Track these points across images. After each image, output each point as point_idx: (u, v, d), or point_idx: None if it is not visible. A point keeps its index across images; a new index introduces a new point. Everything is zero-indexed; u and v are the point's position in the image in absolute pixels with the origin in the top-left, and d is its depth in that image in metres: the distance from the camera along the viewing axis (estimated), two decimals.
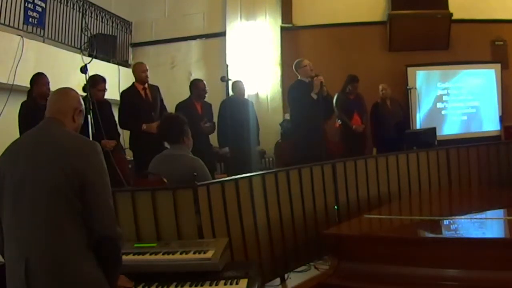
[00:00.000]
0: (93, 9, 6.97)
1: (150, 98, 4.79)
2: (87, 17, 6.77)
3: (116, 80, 6.02)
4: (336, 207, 3.74)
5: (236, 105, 5.59)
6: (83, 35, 6.55)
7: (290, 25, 7.48)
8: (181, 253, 2.30)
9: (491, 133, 7.06)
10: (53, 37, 6.12)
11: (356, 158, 4.07)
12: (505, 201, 3.44)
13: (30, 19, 5.65)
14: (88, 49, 5.90)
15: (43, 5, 5.83)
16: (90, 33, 6.62)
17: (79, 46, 6.23)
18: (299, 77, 4.92)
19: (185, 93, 5.29)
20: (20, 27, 5.51)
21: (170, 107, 5.06)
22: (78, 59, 4.13)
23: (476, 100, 7.25)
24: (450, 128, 7.17)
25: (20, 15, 5.46)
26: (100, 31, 7.14)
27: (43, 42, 5.91)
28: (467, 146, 4.67)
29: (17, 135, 3.11)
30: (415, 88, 6.94)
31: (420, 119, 7.01)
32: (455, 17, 6.99)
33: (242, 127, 5.47)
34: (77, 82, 3.84)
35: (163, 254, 2.32)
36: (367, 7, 7.36)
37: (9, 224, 1.67)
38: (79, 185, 1.65)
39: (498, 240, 2.37)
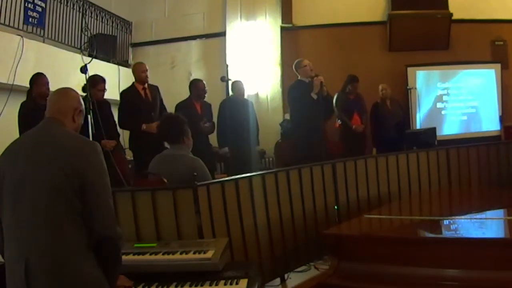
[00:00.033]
0: (93, 9, 6.97)
1: (150, 98, 4.79)
2: (87, 17, 6.77)
3: (116, 80, 6.02)
4: (336, 207, 3.74)
5: (235, 105, 5.59)
6: (83, 35, 6.55)
7: (290, 25, 7.48)
8: (181, 253, 2.30)
9: (491, 133, 7.06)
10: (53, 37, 6.12)
11: (356, 158, 4.07)
12: (505, 201, 3.44)
13: (30, 19, 5.65)
14: (88, 49, 5.90)
15: (43, 5, 5.83)
16: (90, 33, 6.62)
17: (79, 46, 6.23)
18: (299, 77, 4.92)
19: (185, 93, 5.29)
20: (20, 27, 5.51)
21: (170, 107, 5.06)
22: (78, 59, 4.14)
23: (476, 100, 7.25)
24: (450, 128, 7.17)
25: (20, 15, 5.47)
26: (100, 31, 7.14)
27: (43, 42, 5.91)
28: (467, 146, 4.67)
29: (17, 135, 3.11)
30: (415, 88, 6.95)
31: (420, 119, 7.01)
32: (455, 17, 6.99)
33: (241, 127, 5.47)
34: (77, 82, 3.84)
35: (163, 254, 2.32)
36: (367, 7, 7.35)
37: (9, 224, 1.67)
38: (79, 185, 1.65)
39: (498, 240, 2.37)
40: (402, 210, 3.58)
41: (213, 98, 5.55)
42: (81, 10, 6.65)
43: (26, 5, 5.54)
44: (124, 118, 4.72)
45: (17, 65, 5.11)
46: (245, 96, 6.05)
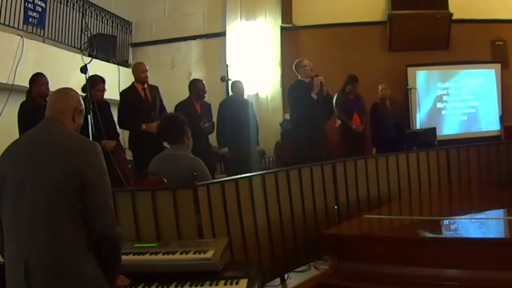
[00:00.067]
0: (93, 9, 6.98)
1: (149, 98, 4.79)
2: (87, 17, 6.77)
3: (116, 80, 6.02)
4: (336, 207, 3.74)
5: (235, 105, 5.59)
6: (83, 35, 6.55)
7: (290, 25, 7.48)
8: (181, 253, 2.30)
9: (491, 133, 7.06)
10: (53, 37, 6.12)
11: (356, 158, 4.07)
12: (505, 201, 3.44)
13: (30, 19, 5.65)
14: (88, 49, 5.90)
15: (43, 5, 5.84)
16: (90, 33, 6.62)
17: (79, 46, 6.23)
18: (299, 77, 4.92)
19: (185, 93, 5.29)
20: (20, 27, 5.51)
21: (170, 107, 5.06)
22: (78, 59, 4.13)
23: (476, 100, 7.25)
24: (450, 128, 7.17)
25: (20, 15, 5.47)
26: (100, 31, 7.14)
27: (43, 42, 5.91)
28: (467, 146, 4.67)
29: (17, 135, 3.12)
30: (415, 88, 6.95)
31: (420, 119, 7.01)
32: (455, 17, 6.99)
33: (241, 127, 5.47)
34: (77, 82, 3.84)
35: (163, 254, 2.31)
36: (367, 7, 7.36)
37: (9, 224, 1.67)
38: (79, 185, 1.65)
39: (498, 240, 2.37)
40: (402, 210, 3.58)
41: (213, 98, 5.55)
42: (81, 10, 6.65)
43: (26, 5, 5.55)
44: (124, 118, 4.72)
45: (17, 65, 5.11)
46: (245, 96, 6.05)
